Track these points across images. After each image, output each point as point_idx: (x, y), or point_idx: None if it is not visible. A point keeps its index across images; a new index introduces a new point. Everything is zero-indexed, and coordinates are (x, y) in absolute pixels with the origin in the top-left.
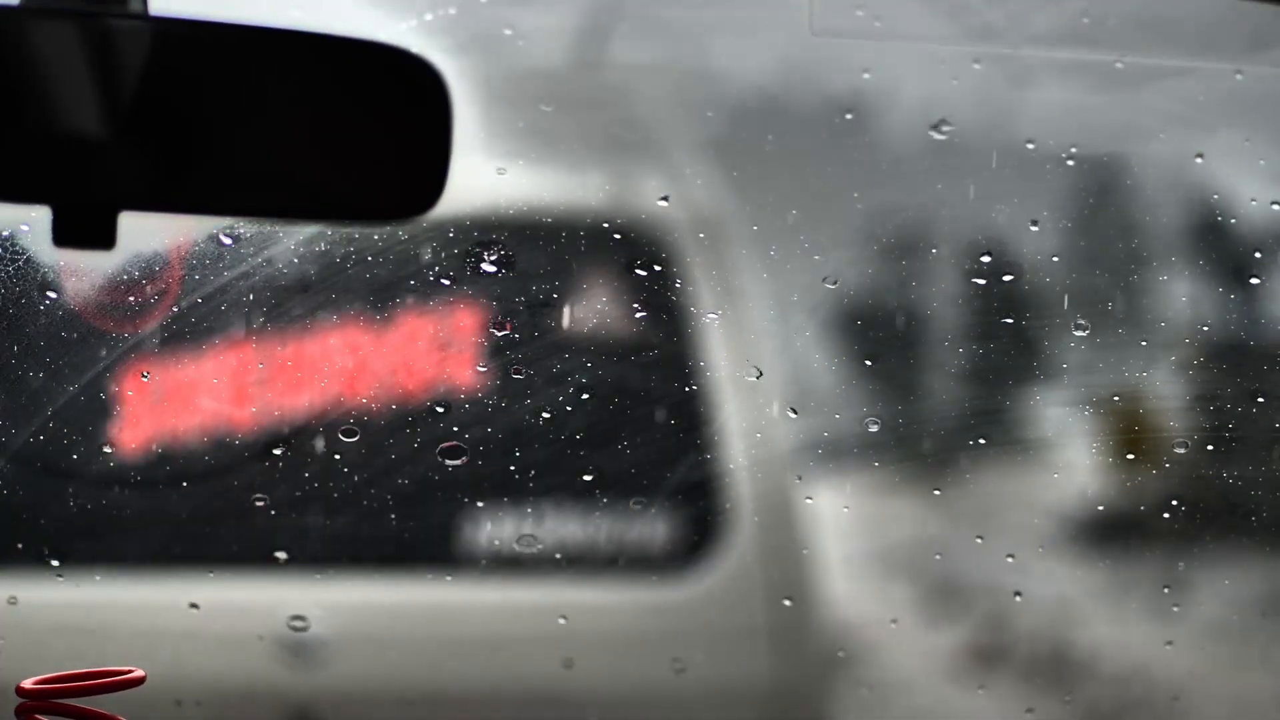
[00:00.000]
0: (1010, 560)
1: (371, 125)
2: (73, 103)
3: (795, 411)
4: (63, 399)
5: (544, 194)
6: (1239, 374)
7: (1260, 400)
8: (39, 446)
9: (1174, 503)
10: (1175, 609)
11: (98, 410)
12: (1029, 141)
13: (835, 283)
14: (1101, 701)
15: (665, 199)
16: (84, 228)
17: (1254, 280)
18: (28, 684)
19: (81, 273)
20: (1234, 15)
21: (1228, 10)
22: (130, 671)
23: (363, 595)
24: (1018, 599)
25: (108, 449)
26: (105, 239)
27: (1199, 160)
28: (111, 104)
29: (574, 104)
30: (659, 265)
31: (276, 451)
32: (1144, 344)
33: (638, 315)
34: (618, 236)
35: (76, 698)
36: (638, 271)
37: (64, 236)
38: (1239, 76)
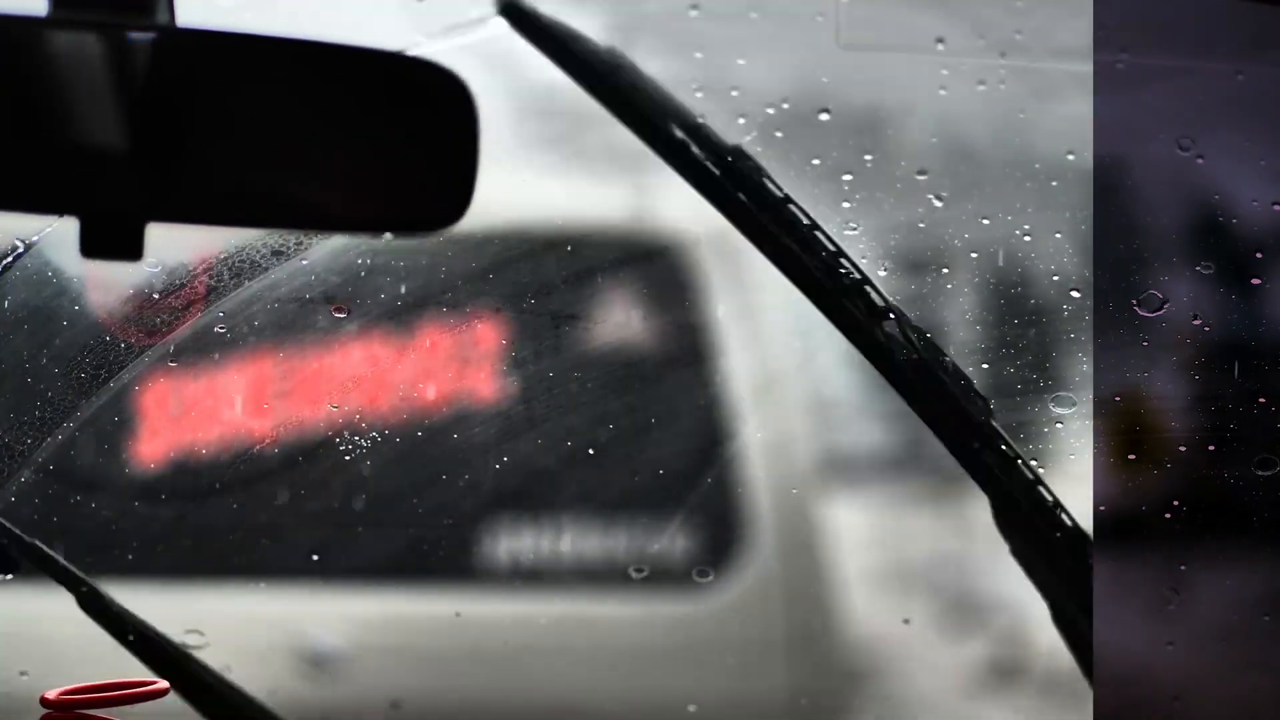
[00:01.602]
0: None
1: (399, 137)
2: (100, 113)
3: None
4: (84, 411)
5: (566, 206)
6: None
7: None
8: (59, 458)
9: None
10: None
11: (120, 422)
12: (1069, 153)
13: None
14: None
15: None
16: (112, 238)
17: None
18: (51, 695)
19: (106, 284)
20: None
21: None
22: (153, 683)
23: (382, 608)
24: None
25: (129, 461)
26: (133, 250)
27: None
28: (139, 115)
29: (595, 117)
30: (679, 278)
31: (301, 463)
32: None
33: (657, 328)
34: (638, 248)
35: (99, 709)
36: (657, 284)
37: (92, 247)
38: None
